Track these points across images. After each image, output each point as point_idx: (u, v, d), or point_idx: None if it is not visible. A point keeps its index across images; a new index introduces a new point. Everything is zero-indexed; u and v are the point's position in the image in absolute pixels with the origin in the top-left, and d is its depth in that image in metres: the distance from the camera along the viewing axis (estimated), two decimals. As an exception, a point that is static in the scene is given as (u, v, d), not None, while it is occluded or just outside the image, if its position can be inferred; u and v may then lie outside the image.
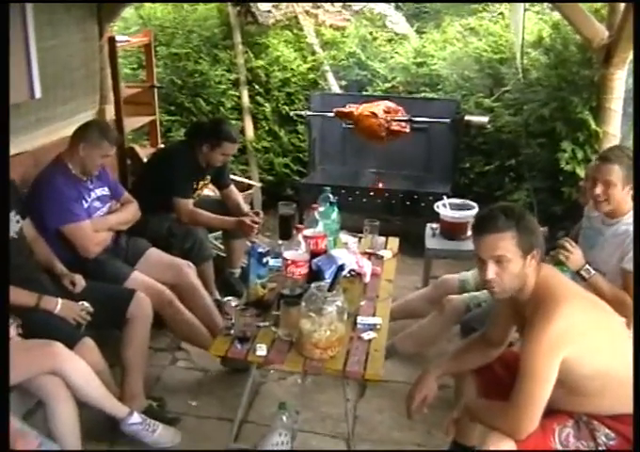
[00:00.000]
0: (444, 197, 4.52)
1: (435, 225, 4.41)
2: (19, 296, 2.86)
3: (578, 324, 2.12)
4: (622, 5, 3.77)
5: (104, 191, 3.58)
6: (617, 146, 3.73)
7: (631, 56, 3.93)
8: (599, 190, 2.88)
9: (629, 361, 2.17)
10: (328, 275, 2.85)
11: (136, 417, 2.84)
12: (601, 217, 3.02)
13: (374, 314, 2.95)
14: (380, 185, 5.39)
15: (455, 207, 4.40)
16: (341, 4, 6.53)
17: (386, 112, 5.07)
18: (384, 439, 3.15)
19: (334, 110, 5.27)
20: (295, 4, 6.22)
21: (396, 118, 5.08)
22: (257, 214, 4.18)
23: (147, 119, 5.30)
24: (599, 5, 4.61)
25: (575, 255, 2.81)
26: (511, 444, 2.16)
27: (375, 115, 5.03)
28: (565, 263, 2.80)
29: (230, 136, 4.02)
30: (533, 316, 2.14)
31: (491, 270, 2.18)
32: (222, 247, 4.52)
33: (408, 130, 5.13)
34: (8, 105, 2.73)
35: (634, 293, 2.18)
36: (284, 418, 2.78)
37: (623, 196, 2.88)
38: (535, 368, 2.10)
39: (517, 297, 2.28)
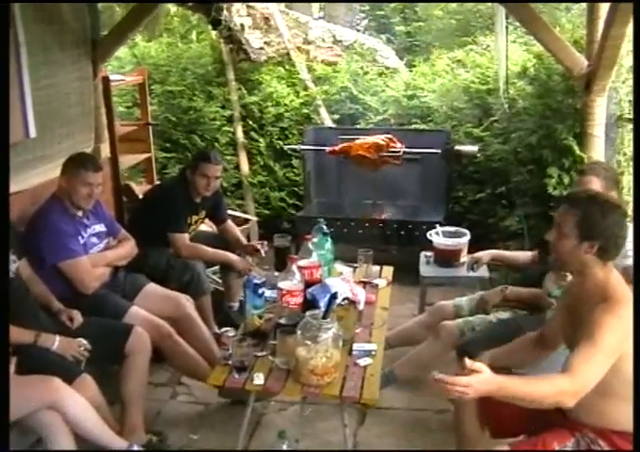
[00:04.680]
0: (437, 225, 4.57)
1: (429, 253, 4.44)
2: (17, 334, 2.88)
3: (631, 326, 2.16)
4: (599, 35, 3.87)
5: (101, 227, 3.61)
6: (594, 162, 3.98)
7: (610, 83, 4.07)
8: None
9: None
10: (323, 303, 2.88)
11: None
12: None
13: (369, 341, 2.97)
14: (375, 216, 5.45)
15: (448, 235, 4.45)
16: (332, 40, 6.66)
17: (377, 150, 5.19)
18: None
19: (328, 150, 5.40)
20: (286, 41, 6.34)
21: (389, 150, 5.19)
22: (262, 245, 4.26)
23: (142, 156, 5.37)
24: (578, 36, 4.72)
25: None
26: None
27: (366, 157, 5.19)
28: None
29: (206, 156, 4.10)
30: (612, 296, 2.19)
31: (551, 233, 2.35)
32: (220, 281, 4.54)
33: (399, 162, 5.24)
34: (8, 104, 2.73)
35: (634, 293, 2.22)
36: (284, 447, 2.78)
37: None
38: (604, 338, 2.10)
39: (579, 291, 2.33)
